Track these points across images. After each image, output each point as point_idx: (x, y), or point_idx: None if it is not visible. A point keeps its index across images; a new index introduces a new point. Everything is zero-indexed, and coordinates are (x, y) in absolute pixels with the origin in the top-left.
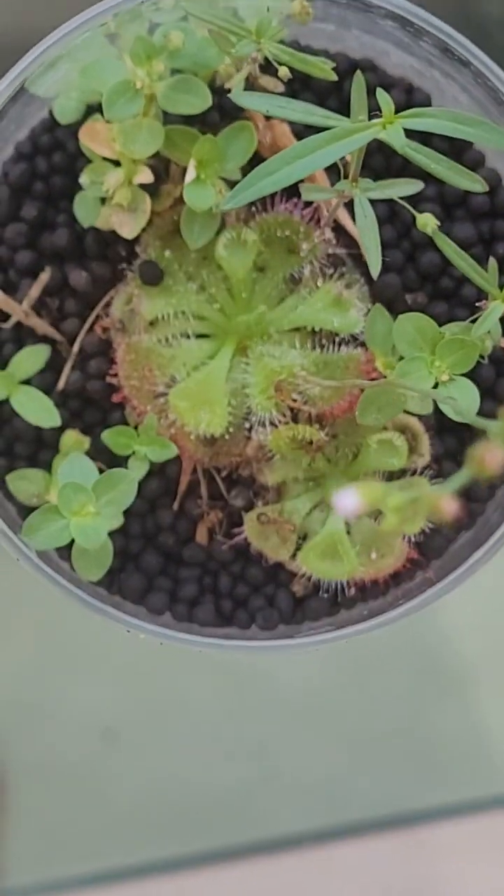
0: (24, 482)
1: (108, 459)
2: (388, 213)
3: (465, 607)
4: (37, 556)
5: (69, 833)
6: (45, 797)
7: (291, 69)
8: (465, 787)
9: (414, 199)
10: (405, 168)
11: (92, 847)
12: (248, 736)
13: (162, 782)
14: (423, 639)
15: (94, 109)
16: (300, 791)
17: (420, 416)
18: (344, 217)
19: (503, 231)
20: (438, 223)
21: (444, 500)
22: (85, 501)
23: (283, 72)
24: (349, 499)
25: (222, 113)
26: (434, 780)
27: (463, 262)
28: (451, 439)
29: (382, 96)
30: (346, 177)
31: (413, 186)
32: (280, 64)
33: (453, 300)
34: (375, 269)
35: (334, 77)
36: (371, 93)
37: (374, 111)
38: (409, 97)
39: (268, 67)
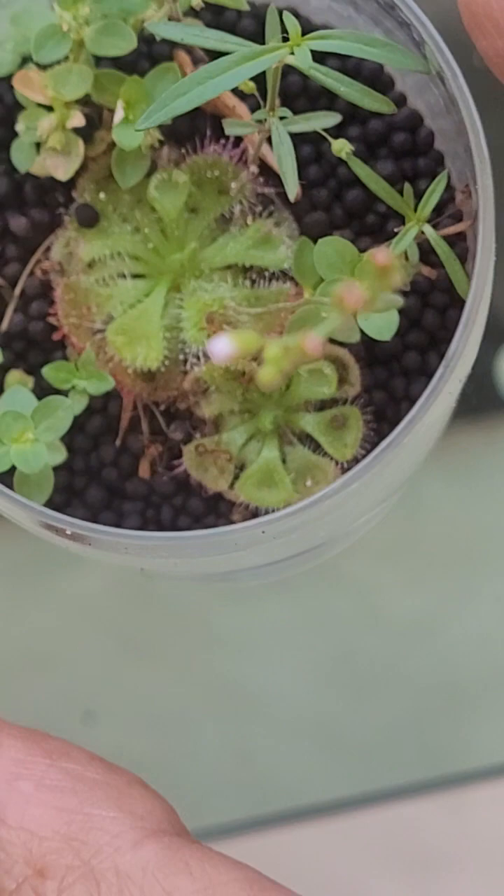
0: None
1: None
2: (314, 153)
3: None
4: None
5: None
6: None
7: (209, 5)
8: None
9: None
10: (329, 109)
11: None
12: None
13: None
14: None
15: (28, 59)
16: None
17: (350, 347)
18: (271, 158)
19: (425, 168)
20: (362, 160)
21: (309, 340)
22: (24, 428)
23: (196, 1)
24: (222, 344)
25: (152, 61)
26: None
27: (377, 184)
28: (381, 371)
29: (289, 19)
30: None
31: (331, 119)
32: None
33: (379, 235)
34: (293, 191)
35: (245, 6)
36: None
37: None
38: None
39: (194, 12)
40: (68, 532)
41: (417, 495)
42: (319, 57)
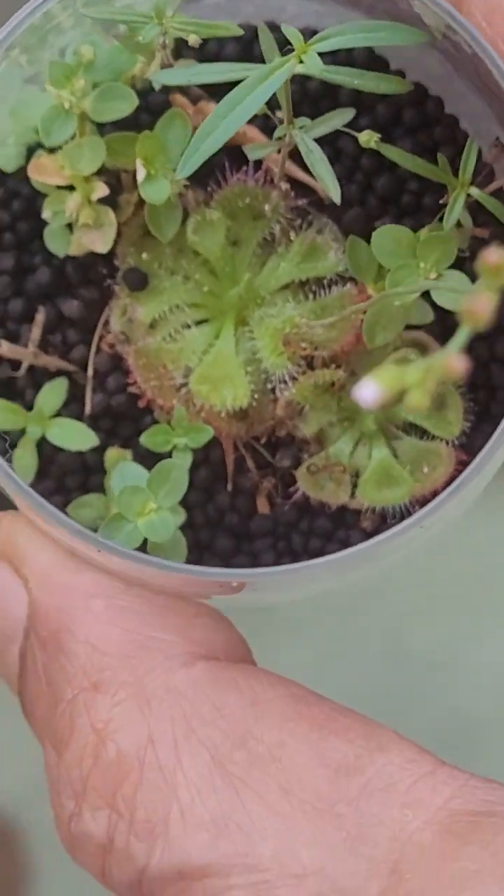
0: (85, 509)
1: (152, 463)
2: (333, 153)
3: None
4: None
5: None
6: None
7: (202, 42)
8: None
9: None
10: (335, 108)
11: None
12: None
13: None
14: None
15: (33, 149)
16: None
17: (426, 329)
18: (294, 170)
19: (442, 135)
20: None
21: (454, 360)
22: (144, 500)
23: (193, 38)
24: (369, 389)
25: (151, 113)
26: None
27: (413, 162)
28: None
29: (289, 31)
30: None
31: (347, 114)
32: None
33: (419, 213)
34: (336, 194)
35: (240, 31)
36: (281, 49)
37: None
38: None
39: (179, 54)
40: (234, 584)
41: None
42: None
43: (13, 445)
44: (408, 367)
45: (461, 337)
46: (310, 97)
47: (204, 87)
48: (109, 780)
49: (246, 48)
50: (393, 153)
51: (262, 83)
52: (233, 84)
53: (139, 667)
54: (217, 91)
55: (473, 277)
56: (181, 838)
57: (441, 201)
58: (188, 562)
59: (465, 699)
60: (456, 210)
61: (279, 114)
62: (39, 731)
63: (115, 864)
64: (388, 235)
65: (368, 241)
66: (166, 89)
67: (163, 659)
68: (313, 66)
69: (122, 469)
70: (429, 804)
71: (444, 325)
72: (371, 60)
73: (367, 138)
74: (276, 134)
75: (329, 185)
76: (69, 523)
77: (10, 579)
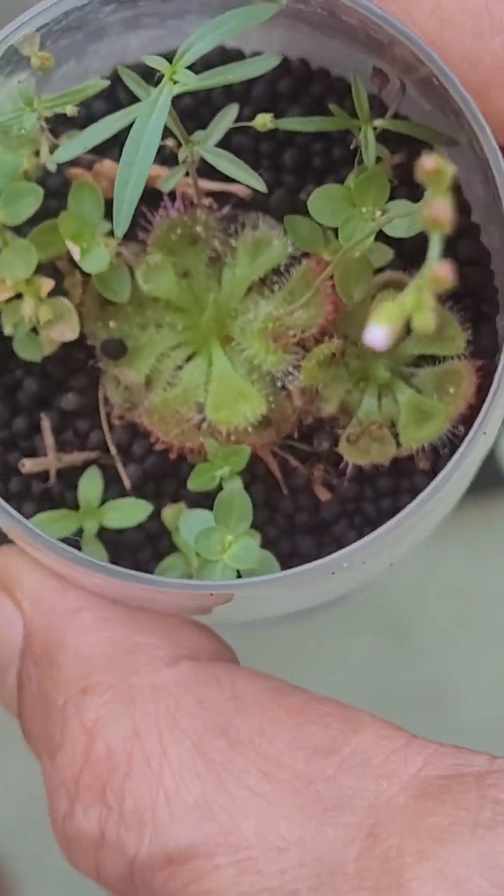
0: (170, 573)
1: (209, 504)
2: (231, 150)
3: None
4: None
5: None
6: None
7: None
8: None
9: (239, 128)
10: (214, 114)
11: None
12: None
13: None
14: None
15: None
16: None
17: (392, 267)
18: (206, 184)
19: (321, 90)
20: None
21: (439, 269)
22: (221, 537)
23: (70, 109)
24: (376, 332)
25: (56, 196)
26: None
27: (314, 123)
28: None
29: (151, 59)
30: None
31: (232, 111)
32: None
33: (335, 169)
34: (259, 184)
35: (107, 83)
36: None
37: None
38: None
39: (56, 135)
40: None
41: (421, 571)
42: None
43: (78, 548)
44: (401, 296)
45: (436, 247)
46: (189, 115)
47: (91, 150)
48: (99, 775)
49: (113, 99)
50: (291, 123)
51: (150, 117)
52: (119, 137)
53: (125, 669)
54: (104, 150)
55: (413, 199)
56: (168, 824)
57: (351, 147)
58: None
59: (457, 736)
60: (370, 143)
61: (170, 143)
62: (36, 745)
63: (107, 858)
64: (322, 197)
65: (302, 215)
66: (60, 169)
67: (147, 660)
68: (188, 80)
69: (185, 520)
70: (402, 773)
71: (405, 258)
72: (227, 55)
73: (263, 122)
74: (180, 156)
75: (249, 178)
76: (172, 582)
77: (6, 606)
